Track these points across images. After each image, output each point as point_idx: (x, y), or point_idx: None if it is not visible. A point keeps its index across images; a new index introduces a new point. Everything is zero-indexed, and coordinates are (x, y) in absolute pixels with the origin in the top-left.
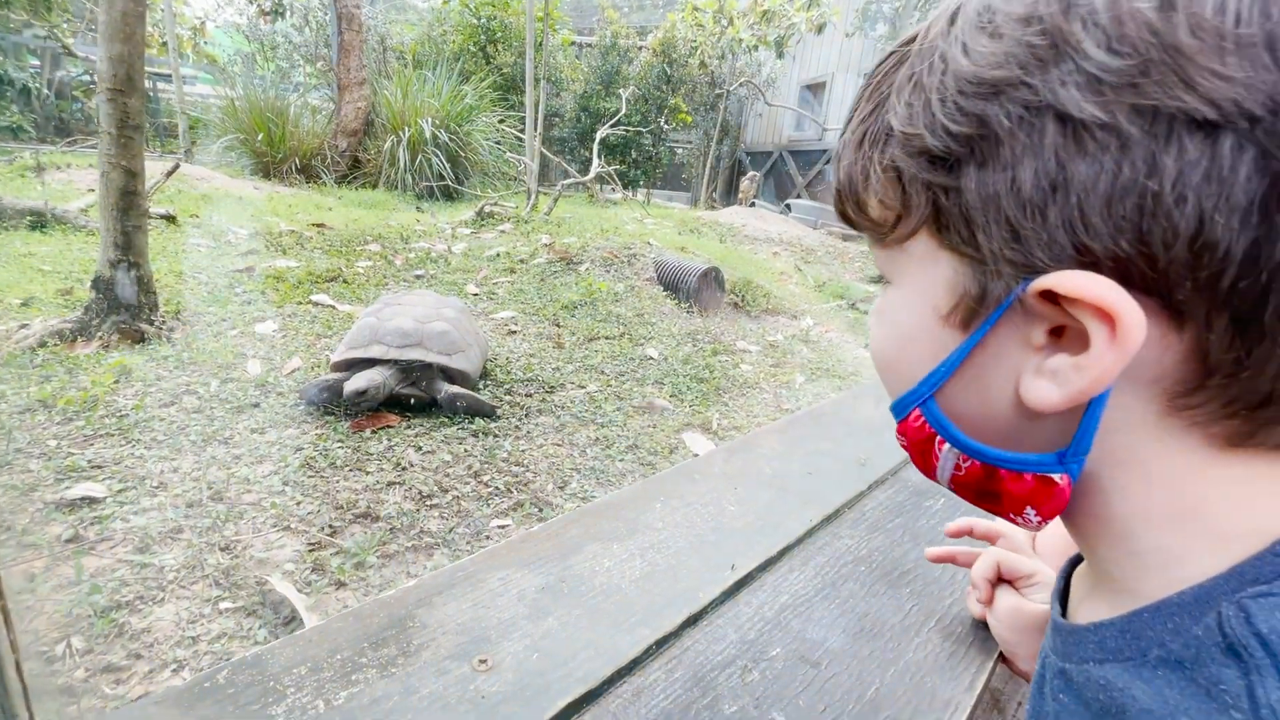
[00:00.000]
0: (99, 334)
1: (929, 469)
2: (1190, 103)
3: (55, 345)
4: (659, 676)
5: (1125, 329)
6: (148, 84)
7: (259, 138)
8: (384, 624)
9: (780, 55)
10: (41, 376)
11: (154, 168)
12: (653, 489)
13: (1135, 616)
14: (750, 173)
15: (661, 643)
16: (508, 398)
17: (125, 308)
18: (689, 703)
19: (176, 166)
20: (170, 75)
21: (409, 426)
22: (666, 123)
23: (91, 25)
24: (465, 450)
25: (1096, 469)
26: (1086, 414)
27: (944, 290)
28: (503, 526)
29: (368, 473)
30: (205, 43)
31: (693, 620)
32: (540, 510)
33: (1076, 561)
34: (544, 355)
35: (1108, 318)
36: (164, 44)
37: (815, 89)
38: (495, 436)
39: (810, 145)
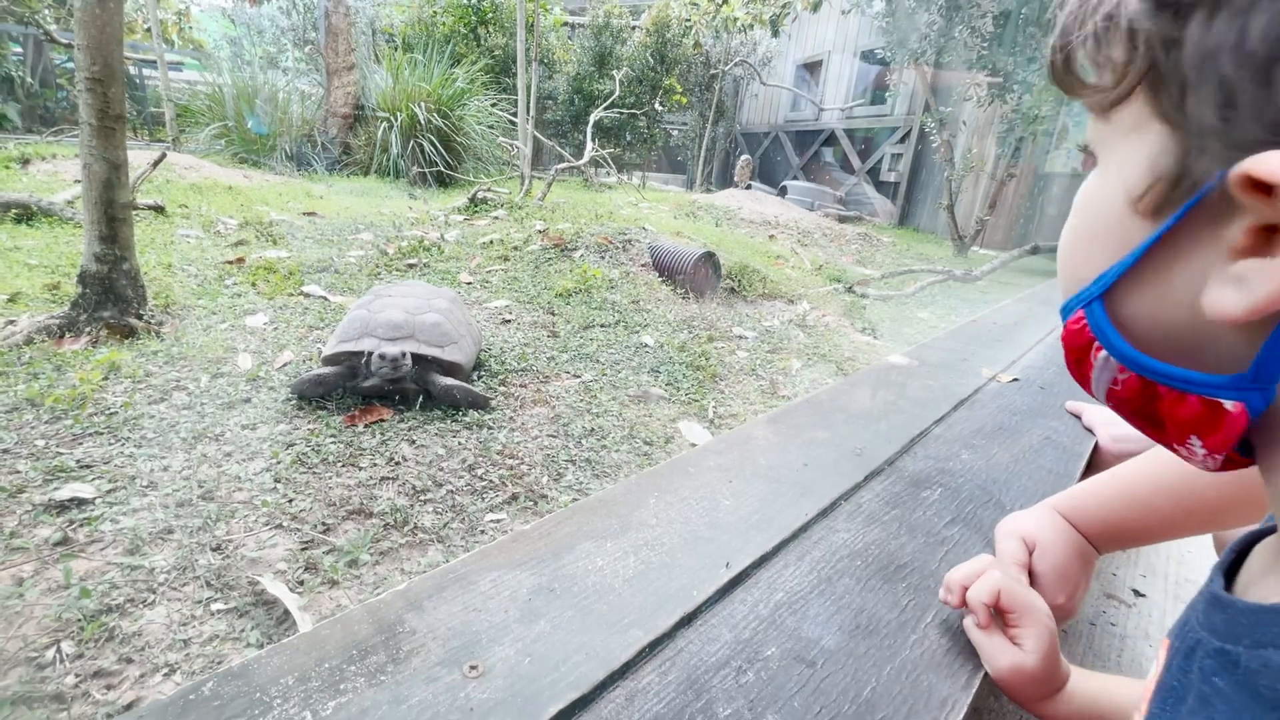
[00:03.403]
0: (87, 329)
1: (1084, 380)
2: None
3: (43, 342)
4: (652, 680)
5: None
6: (133, 71)
7: (248, 125)
8: (373, 630)
9: (775, 34)
10: (29, 374)
11: (141, 157)
12: (646, 484)
13: None
14: (744, 156)
15: (655, 644)
16: (502, 389)
17: (113, 302)
18: (682, 706)
19: (163, 156)
20: (155, 61)
21: (402, 420)
22: (661, 104)
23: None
24: (459, 443)
25: None
26: (1275, 332)
27: (1142, 169)
28: (497, 521)
29: (360, 468)
30: (190, 27)
31: (687, 620)
32: (535, 504)
33: (1256, 537)
34: (538, 344)
35: None
36: (148, 29)
37: (811, 68)
38: (489, 428)
39: (807, 125)
